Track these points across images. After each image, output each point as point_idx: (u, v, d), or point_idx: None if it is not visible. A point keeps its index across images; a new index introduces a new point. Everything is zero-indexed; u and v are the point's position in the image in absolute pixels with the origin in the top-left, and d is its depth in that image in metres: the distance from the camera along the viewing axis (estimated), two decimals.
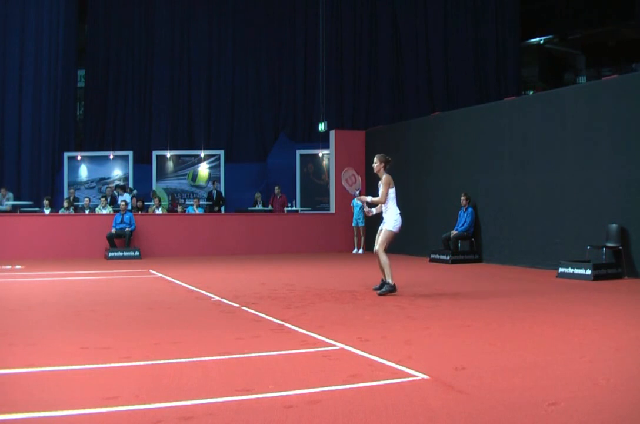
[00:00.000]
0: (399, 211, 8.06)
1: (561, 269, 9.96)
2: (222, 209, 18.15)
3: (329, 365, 4.40)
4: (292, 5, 20.82)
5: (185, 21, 20.39)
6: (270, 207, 17.56)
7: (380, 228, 8.12)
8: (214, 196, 18.01)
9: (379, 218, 8.56)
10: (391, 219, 7.98)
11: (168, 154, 19.32)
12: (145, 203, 17.17)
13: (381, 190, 8.03)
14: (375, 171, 8.18)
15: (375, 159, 8.17)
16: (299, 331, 5.58)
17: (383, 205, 8.08)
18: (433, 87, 21.73)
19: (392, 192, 8.02)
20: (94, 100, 20.06)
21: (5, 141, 18.71)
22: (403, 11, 21.52)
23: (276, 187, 17.83)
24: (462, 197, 12.79)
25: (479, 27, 22.29)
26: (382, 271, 8.05)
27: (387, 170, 8.14)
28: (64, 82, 19.35)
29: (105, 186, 18.45)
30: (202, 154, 19.44)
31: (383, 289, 7.94)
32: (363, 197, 8.22)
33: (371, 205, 8.33)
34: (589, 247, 10.07)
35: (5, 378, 4.13)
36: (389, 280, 7.93)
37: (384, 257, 7.94)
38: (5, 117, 18.72)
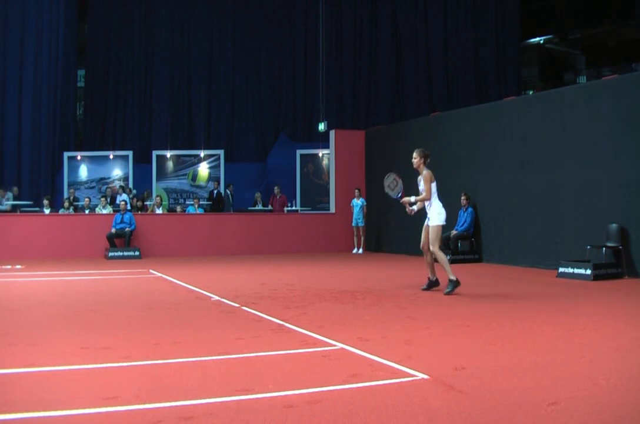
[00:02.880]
0: (441, 204, 8.01)
1: (561, 269, 9.96)
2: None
3: (329, 365, 4.40)
4: (292, 5, 20.82)
5: (185, 21, 20.40)
6: (270, 207, 17.57)
7: (426, 224, 8.06)
8: (215, 196, 18.00)
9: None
10: (435, 213, 7.93)
11: (168, 154, 19.32)
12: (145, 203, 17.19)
13: (424, 186, 7.95)
14: (415, 166, 8.05)
15: (415, 154, 8.01)
16: (299, 331, 5.58)
17: (426, 201, 8.00)
18: (433, 87, 21.74)
19: (433, 186, 7.94)
20: (94, 100, 20.07)
21: (5, 141, 18.72)
22: (403, 11, 21.52)
23: (276, 187, 17.83)
24: (462, 197, 12.79)
25: (479, 27, 22.29)
26: (430, 268, 8.13)
27: (427, 165, 8.02)
28: (64, 82, 19.36)
29: (105, 186, 18.46)
30: (202, 154, 19.45)
31: (449, 289, 7.86)
32: (406, 199, 8.12)
33: (413, 204, 8.16)
34: (589, 247, 10.07)
35: (5, 378, 4.13)
36: (451, 276, 7.88)
37: (441, 255, 7.91)
38: (5, 117, 18.73)
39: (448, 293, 7.85)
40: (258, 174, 19.91)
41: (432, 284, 8.23)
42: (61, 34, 19.19)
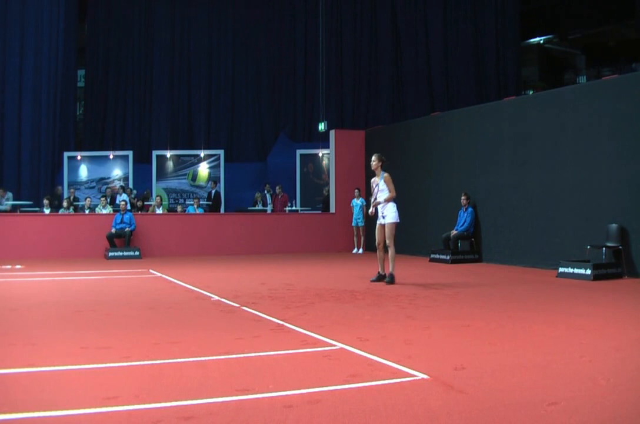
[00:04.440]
0: (395, 204, 9.06)
1: (561, 269, 9.96)
2: (222, 209, 18.16)
3: (329, 365, 4.40)
4: (292, 5, 20.83)
5: (185, 21, 20.42)
6: (270, 207, 17.56)
7: (381, 223, 9.03)
8: (213, 196, 18.00)
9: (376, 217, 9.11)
10: (391, 211, 8.94)
11: (168, 154, 19.32)
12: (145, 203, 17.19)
13: (389, 186, 8.97)
14: (373, 168, 9.17)
15: (374, 158, 9.13)
16: (299, 331, 5.58)
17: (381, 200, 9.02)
18: (433, 87, 21.74)
19: None
20: (94, 100, 20.08)
21: (5, 141, 18.72)
22: (403, 11, 21.53)
23: (277, 187, 17.83)
24: (462, 197, 12.79)
25: (479, 27, 22.29)
26: (381, 263, 9.18)
27: (384, 169, 9.14)
28: (64, 82, 19.36)
29: (105, 186, 18.46)
30: (202, 154, 19.45)
31: (389, 279, 8.92)
32: (377, 202, 9.06)
33: (379, 203, 9.11)
34: (589, 247, 10.07)
35: (5, 378, 4.13)
36: (392, 271, 8.95)
37: (393, 251, 8.95)
38: (5, 117, 18.73)
39: (388, 283, 8.87)
40: (258, 174, 19.90)
41: (381, 278, 9.13)
42: (61, 34, 19.19)
